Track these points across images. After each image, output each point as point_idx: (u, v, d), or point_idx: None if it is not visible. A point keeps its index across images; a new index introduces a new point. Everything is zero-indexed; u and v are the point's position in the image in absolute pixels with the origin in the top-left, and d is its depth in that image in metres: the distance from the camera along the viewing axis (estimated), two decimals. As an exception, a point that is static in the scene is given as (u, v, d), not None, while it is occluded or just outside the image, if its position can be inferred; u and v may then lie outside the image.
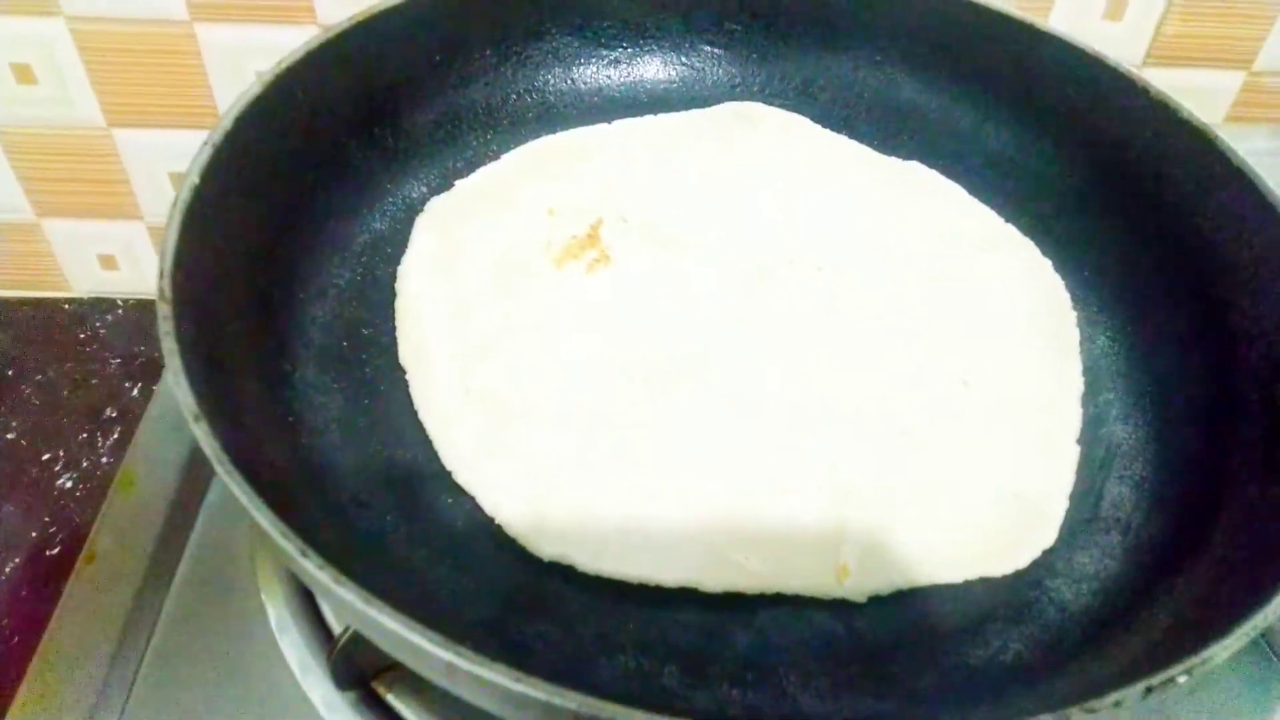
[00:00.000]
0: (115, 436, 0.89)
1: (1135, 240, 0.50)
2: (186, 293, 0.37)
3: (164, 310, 0.35)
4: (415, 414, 0.44)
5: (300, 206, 0.48)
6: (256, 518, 0.30)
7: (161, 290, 0.36)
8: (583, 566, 0.39)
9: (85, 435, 0.88)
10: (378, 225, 0.52)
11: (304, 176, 0.48)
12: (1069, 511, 0.43)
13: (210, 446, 0.31)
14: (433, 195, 0.54)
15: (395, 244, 0.52)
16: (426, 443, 0.43)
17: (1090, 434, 0.46)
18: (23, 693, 0.42)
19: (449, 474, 0.42)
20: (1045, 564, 0.41)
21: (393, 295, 0.50)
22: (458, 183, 0.55)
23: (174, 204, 0.40)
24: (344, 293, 0.49)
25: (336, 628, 0.44)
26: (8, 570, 0.78)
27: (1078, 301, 0.51)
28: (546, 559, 0.39)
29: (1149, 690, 0.28)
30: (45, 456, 0.86)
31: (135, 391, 0.91)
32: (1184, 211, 0.48)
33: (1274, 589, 0.31)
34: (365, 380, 0.46)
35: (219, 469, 0.31)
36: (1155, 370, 0.47)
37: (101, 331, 0.96)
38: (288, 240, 0.47)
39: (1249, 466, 0.40)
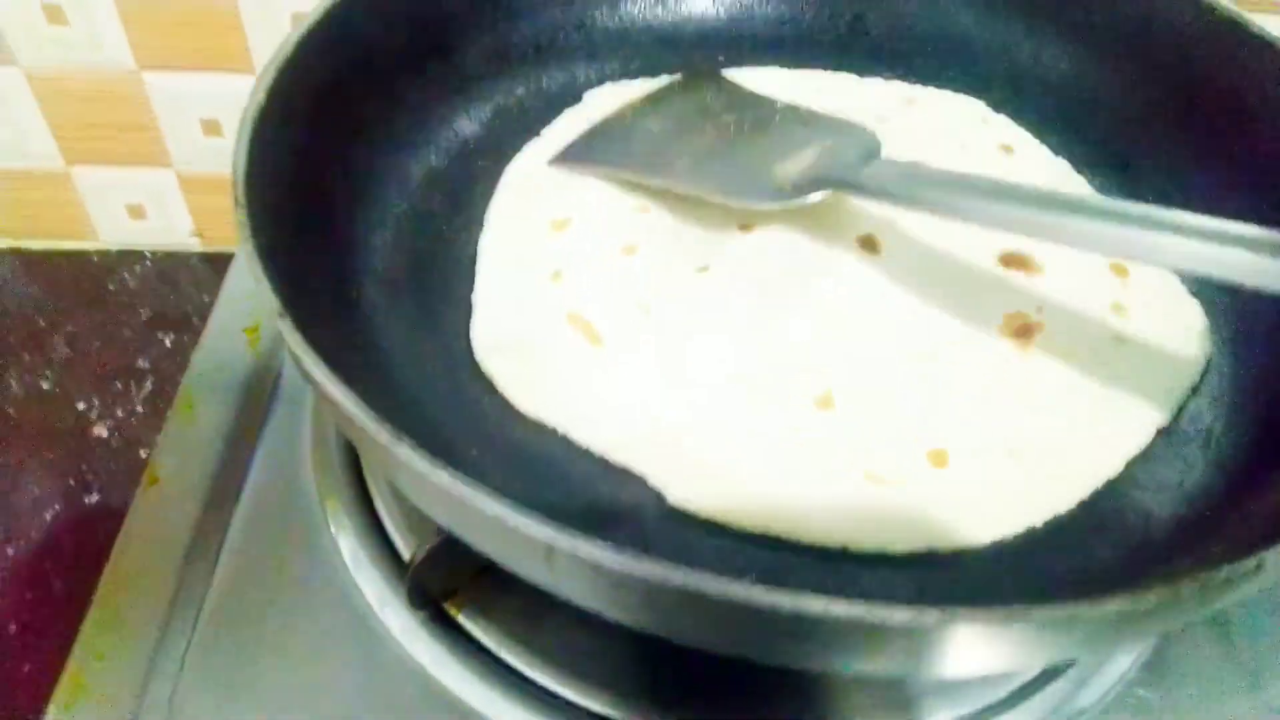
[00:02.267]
0: (149, 387, 0.89)
1: (1202, 161, 0.49)
2: (258, 201, 0.36)
3: (240, 216, 0.35)
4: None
5: (358, 137, 0.48)
6: (347, 407, 0.29)
7: (236, 198, 0.36)
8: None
9: (119, 386, 0.88)
10: (433, 161, 0.52)
11: (362, 107, 0.48)
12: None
13: (295, 341, 0.31)
14: (484, 131, 0.54)
15: (450, 179, 0.52)
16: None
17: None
18: (92, 612, 0.42)
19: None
20: (1127, 476, 0.40)
21: (450, 225, 0.49)
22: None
23: (243, 117, 0.39)
24: (403, 223, 0.48)
25: (406, 553, 0.43)
26: (48, 517, 0.78)
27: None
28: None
29: (1260, 567, 0.27)
30: (80, 406, 0.86)
31: (168, 342, 0.91)
32: (1256, 128, 0.47)
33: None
34: (429, 308, 0.45)
35: (306, 362, 0.30)
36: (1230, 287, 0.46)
37: (130, 284, 0.95)
38: (348, 168, 0.47)
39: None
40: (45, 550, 0.76)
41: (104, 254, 0.98)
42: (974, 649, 0.28)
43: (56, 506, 0.79)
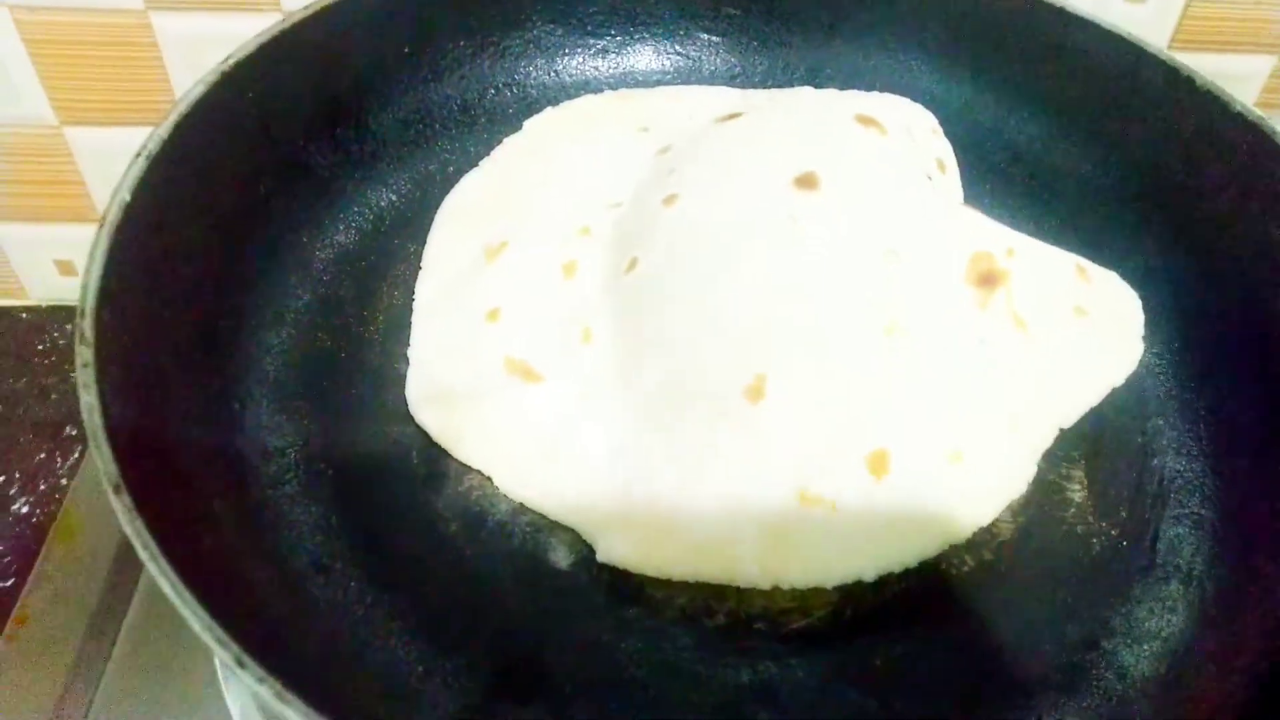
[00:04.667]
0: (75, 456, 0.84)
1: (1179, 243, 0.46)
2: (113, 333, 0.32)
3: (84, 355, 0.30)
4: (387, 461, 0.40)
5: (252, 221, 0.43)
6: (188, 619, 0.25)
7: (81, 332, 0.31)
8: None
9: (43, 455, 0.83)
10: (341, 238, 0.47)
11: (256, 186, 0.43)
12: (1121, 558, 0.38)
13: (133, 527, 0.26)
14: (402, 203, 0.49)
15: (361, 258, 0.47)
16: (404, 493, 0.39)
17: (1141, 465, 0.41)
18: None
19: (429, 528, 0.37)
20: (1099, 620, 0.36)
21: (359, 317, 0.45)
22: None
23: (100, 227, 0.35)
24: (303, 317, 0.44)
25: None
26: (-45, 605, 0.73)
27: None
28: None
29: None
30: (0, 479, 0.81)
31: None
32: (1235, 212, 0.43)
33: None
34: (329, 419, 0.41)
35: (143, 554, 0.26)
36: (1209, 391, 0.42)
37: (60, 342, 0.91)
38: (239, 260, 0.42)
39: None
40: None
41: (33, 310, 0.93)
42: None
43: (-34, 594, 0.74)
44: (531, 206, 0.47)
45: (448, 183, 0.51)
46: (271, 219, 0.44)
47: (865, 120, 0.46)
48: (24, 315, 0.93)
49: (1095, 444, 0.42)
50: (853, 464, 0.36)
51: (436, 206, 0.50)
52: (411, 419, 0.41)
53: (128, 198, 0.36)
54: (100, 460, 0.28)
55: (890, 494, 0.36)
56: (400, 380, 0.42)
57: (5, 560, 0.76)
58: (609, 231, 0.45)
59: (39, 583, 0.41)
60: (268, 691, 0.23)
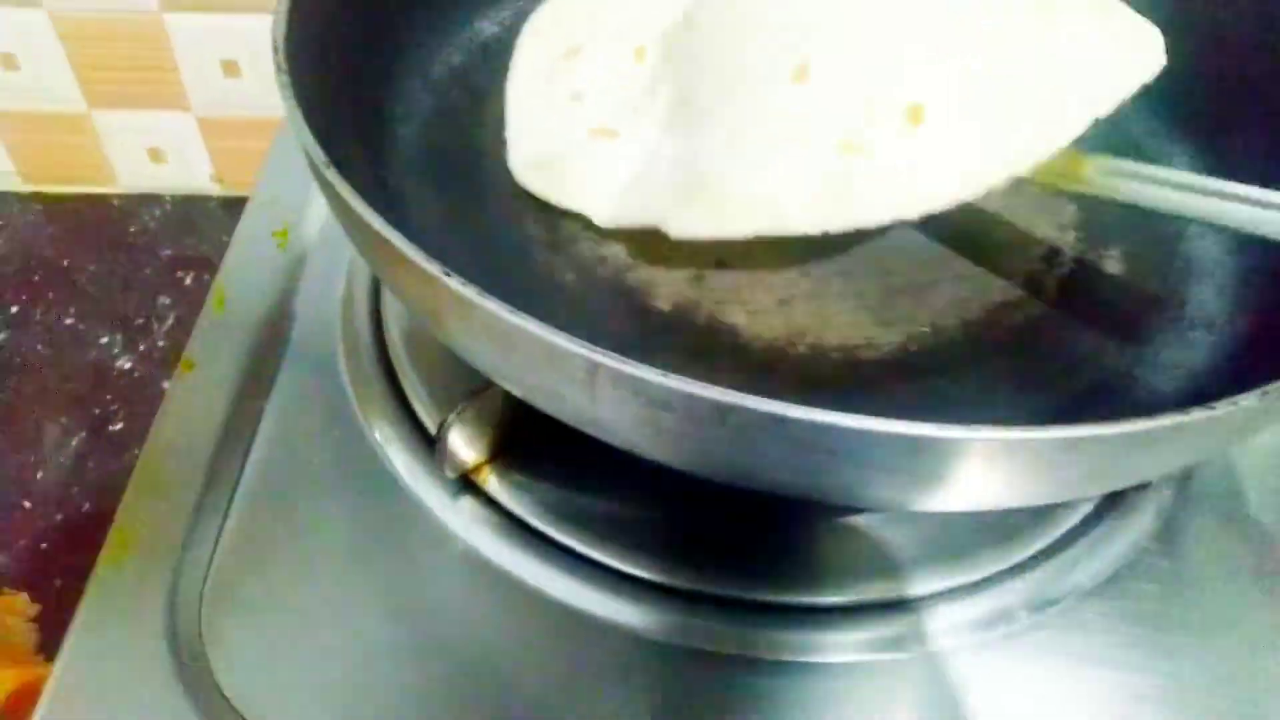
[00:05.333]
0: (170, 322, 0.90)
1: (1204, 58, 0.50)
2: (298, 67, 0.38)
3: (283, 79, 0.36)
4: (507, 227, 0.46)
5: (383, 30, 0.49)
6: (397, 245, 0.31)
7: (278, 63, 0.37)
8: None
9: (140, 321, 0.90)
10: (454, 59, 0.53)
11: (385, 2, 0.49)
12: (1155, 312, 0.43)
13: (342, 187, 0.32)
14: (504, 32, 0.55)
15: (471, 77, 0.53)
16: (522, 249, 0.45)
17: (1172, 249, 0.46)
18: (131, 489, 0.43)
19: (548, 277, 0.43)
20: (1133, 355, 0.42)
21: (472, 121, 0.50)
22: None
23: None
24: (427, 119, 0.50)
25: (433, 430, 0.45)
26: (74, 444, 0.80)
27: (1150, 134, 0.51)
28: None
29: (1266, 393, 0.29)
30: (103, 340, 0.88)
31: (188, 281, 0.92)
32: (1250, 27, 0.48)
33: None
34: (457, 199, 0.47)
35: (353, 204, 0.32)
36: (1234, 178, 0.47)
37: (151, 226, 0.97)
38: (375, 59, 0.48)
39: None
40: (73, 476, 0.78)
41: (124, 198, 0.99)
42: (1022, 472, 0.28)
43: (83, 434, 0.81)
44: (604, 17, 0.52)
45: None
46: (398, 30, 0.49)
47: None
48: (115, 202, 0.99)
49: (1130, 232, 0.47)
50: (891, 116, 0.39)
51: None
52: (523, 192, 0.47)
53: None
54: (306, 144, 0.34)
55: (927, 139, 0.39)
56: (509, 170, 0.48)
57: (113, 408, 0.83)
58: (678, 23, 0.49)
59: (199, 338, 0.47)
60: (472, 292, 0.29)
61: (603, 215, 0.45)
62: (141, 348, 0.87)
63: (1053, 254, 0.46)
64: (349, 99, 0.44)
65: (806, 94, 0.40)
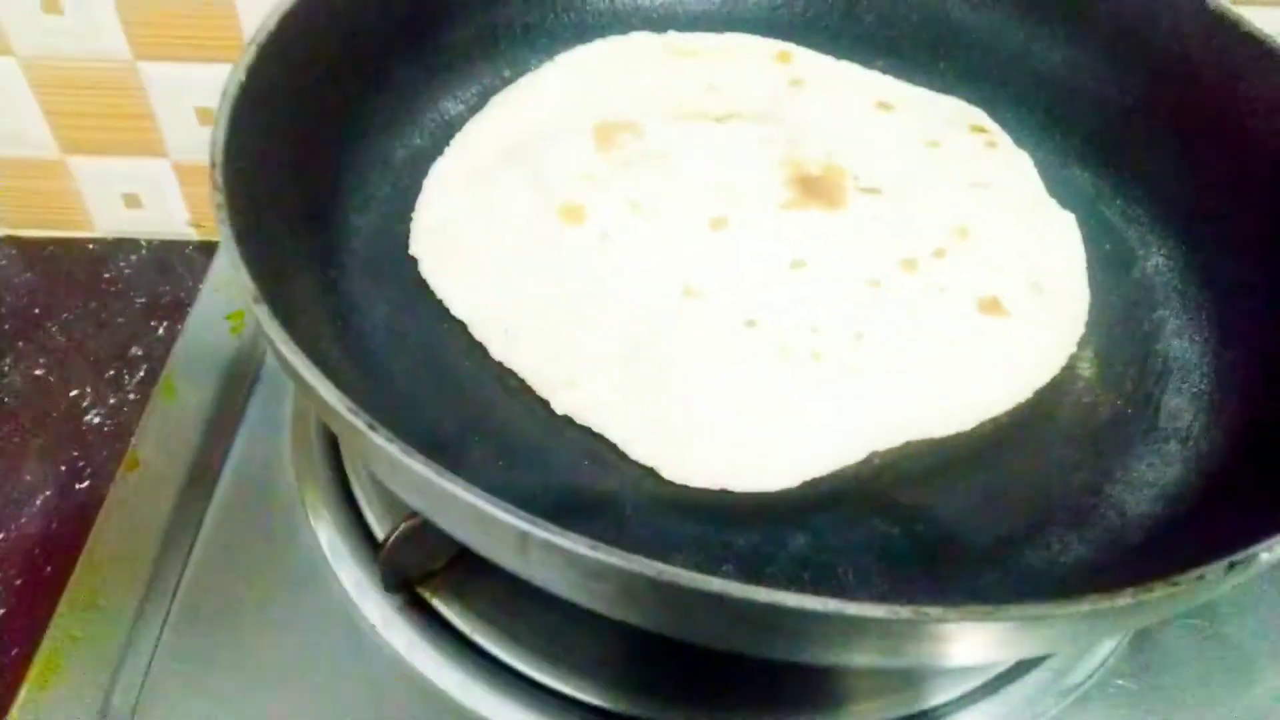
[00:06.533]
0: (141, 374, 0.89)
1: (1191, 155, 0.49)
2: (237, 185, 0.36)
3: (217, 199, 0.35)
4: (460, 326, 0.44)
5: (342, 116, 0.47)
6: (323, 394, 0.29)
7: (214, 181, 0.36)
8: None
9: (111, 373, 0.88)
10: (417, 141, 0.52)
11: (345, 86, 0.48)
12: (1126, 423, 0.42)
13: (272, 328, 0.31)
14: (469, 112, 0.54)
15: (431, 160, 0.51)
16: (477, 350, 0.43)
17: (1146, 349, 0.45)
18: (68, 594, 0.42)
19: (500, 378, 0.42)
20: (1103, 471, 0.40)
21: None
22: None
23: (222, 96, 0.39)
24: (385, 206, 0.48)
25: (380, 534, 0.43)
26: (39, 502, 0.78)
27: (1129, 220, 0.50)
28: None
29: (1232, 566, 0.27)
30: (73, 393, 0.86)
31: (160, 331, 0.91)
32: (1246, 126, 0.46)
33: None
34: (410, 292, 0.45)
35: (283, 349, 0.30)
36: (1212, 286, 0.46)
37: (126, 271, 0.95)
38: (331, 149, 0.46)
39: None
40: (36, 537, 0.76)
41: (100, 242, 0.98)
42: (950, 644, 0.27)
43: (48, 493, 0.79)
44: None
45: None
46: (358, 116, 0.48)
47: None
48: (91, 246, 0.98)
49: (1104, 331, 0.46)
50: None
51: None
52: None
53: (243, 77, 0.40)
54: (239, 279, 0.32)
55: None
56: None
57: (79, 465, 0.81)
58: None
59: (145, 435, 0.46)
60: (397, 449, 0.28)
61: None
62: (112, 401, 0.85)
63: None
64: (301, 196, 0.43)
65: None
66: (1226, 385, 0.43)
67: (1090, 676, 0.41)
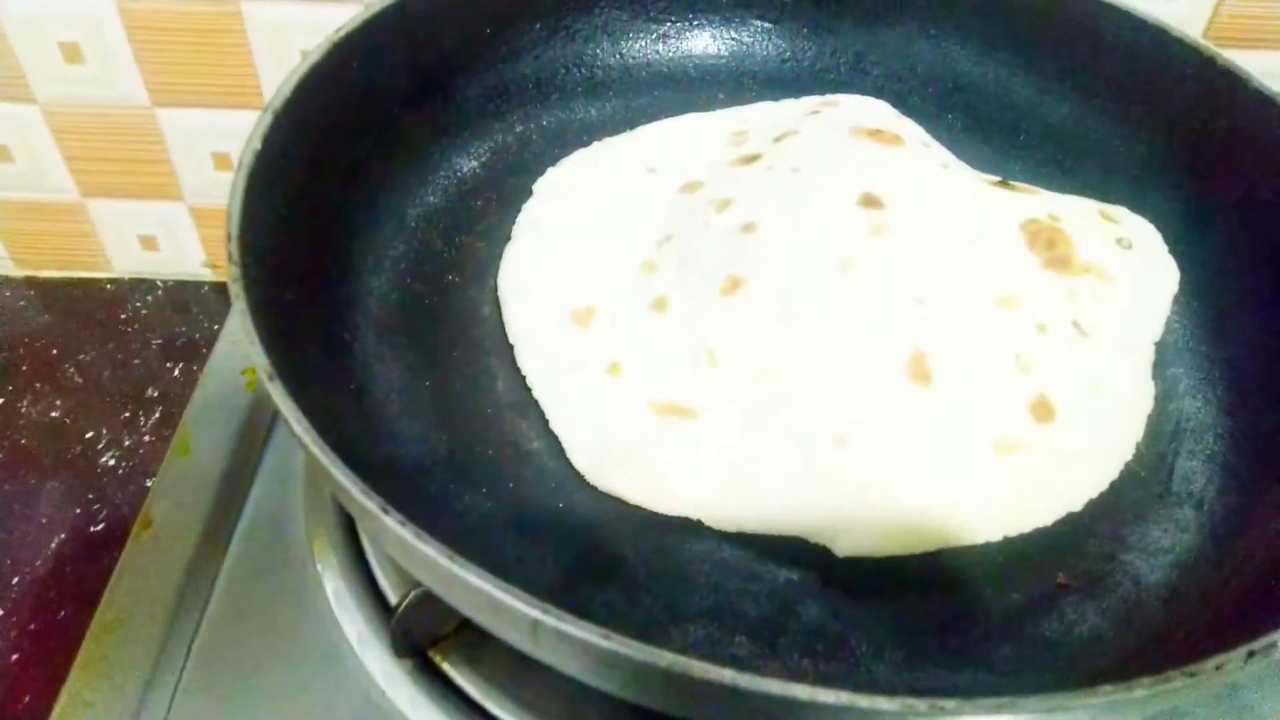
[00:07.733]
0: (157, 416, 0.89)
1: (1202, 212, 0.49)
2: (252, 257, 0.37)
3: (234, 272, 0.35)
4: (475, 385, 0.44)
5: (356, 178, 0.48)
6: (335, 475, 0.29)
7: (230, 253, 0.36)
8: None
9: (127, 414, 0.89)
10: (430, 199, 0.52)
11: (359, 147, 0.48)
12: (1139, 486, 0.42)
13: (286, 405, 0.31)
14: (482, 169, 0.54)
15: (447, 217, 0.52)
16: (488, 411, 0.43)
17: (1158, 409, 0.45)
18: (81, 657, 0.42)
19: (514, 442, 0.42)
20: (1117, 537, 0.40)
21: (448, 268, 0.49)
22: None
23: (238, 168, 0.40)
24: (399, 265, 0.49)
25: (393, 598, 0.43)
26: (53, 545, 0.79)
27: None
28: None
29: (1251, 655, 0.27)
30: (88, 435, 0.87)
31: (176, 372, 0.92)
32: (1255, 182, 0.46)
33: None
34: (425, 351, 0.45)
35: (296, 428, 0.31)
36: (1226, 345, 0.46)
37: (143, 312, 0.97)
38: (345, 211, 0.47)
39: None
40: (50, 579, 0.77)
41: (117, 283, 0.99)
42: None
43: (63, 535, 0.80)
44: (587, 263, 0.49)
45: (523, 152, 0.56)
46: (371, 177, 0.49)
47: (875, 134, 0.51)
48: (108, 286, 0.99)
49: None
50: (1022, 413, 0.40)
51: (513, 174, 0.55)
52: (494, 351, 0.45)
53: (259, 145, 0.41)
54: (255, 354, 0.33)
55: (1065, 432, 0.40)
56: (485, 320, 0.47)
57: (95, 508, 0.82)
58: (674, 262, 0.47)
59: (159, 494, 0.46)
60: (409, 533, 0.28)
61: (721, 518, 0.40)
62: (127, 443, 0.86)
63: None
64: (315, 261, 0.43)
65: (935, 392, 0.40)
66: (1240, 448, 0.43)
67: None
